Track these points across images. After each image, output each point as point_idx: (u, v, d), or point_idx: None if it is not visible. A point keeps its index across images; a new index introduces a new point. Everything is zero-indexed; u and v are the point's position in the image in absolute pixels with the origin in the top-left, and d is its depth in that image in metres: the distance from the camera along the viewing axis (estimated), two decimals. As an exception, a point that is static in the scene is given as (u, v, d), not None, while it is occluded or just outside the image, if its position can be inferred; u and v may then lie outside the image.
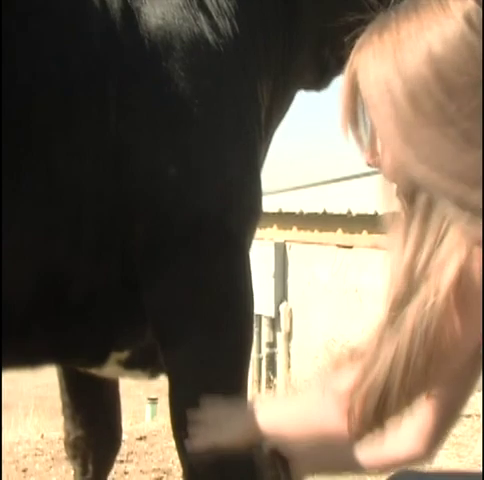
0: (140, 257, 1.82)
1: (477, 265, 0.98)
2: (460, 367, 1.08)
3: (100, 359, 1.98)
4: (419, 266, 1.02)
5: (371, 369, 0.97)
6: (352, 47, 0.77)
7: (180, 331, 1.83)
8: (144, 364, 2.05)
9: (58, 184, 1.76)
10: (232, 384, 1.85)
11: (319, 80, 2.31)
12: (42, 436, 4.28)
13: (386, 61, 0.93)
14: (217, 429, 1.43)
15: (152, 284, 1.83)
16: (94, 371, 2.10)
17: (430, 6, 0.92)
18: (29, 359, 1.96)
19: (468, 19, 0.89)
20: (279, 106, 2.19)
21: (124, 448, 3.86)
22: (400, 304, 0.99)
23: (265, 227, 10.18)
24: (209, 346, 1.82)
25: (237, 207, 1.87)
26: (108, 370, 2.07)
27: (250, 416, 1.35)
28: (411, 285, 0.99)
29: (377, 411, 0.99)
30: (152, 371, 2.07)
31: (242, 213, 1.89)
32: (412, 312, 0.97)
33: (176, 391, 1.87)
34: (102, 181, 1.78)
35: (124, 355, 2.00)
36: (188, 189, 1.81)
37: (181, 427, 1.78)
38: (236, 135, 1.90)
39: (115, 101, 1.79)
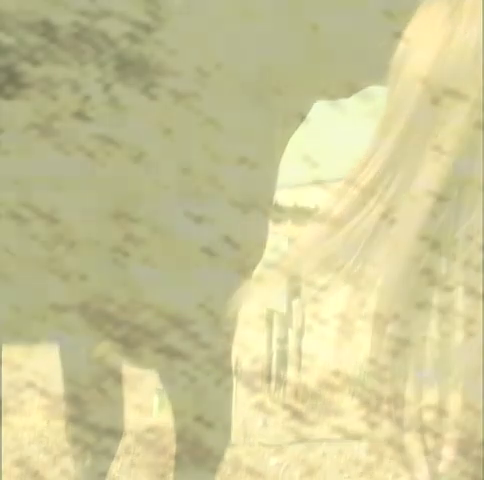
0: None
1: None
2: None
3: None
4: None
5: None
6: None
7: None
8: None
9: None
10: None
11: (345, 90, 2.24)
12: (47, 422, 4.24)
13: None
14: None
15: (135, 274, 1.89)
16: None
17: None
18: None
19: None
20: (293, 122, 2.19)
21: (131, 440, 3.83)
22: None
23: (279, 222, 10.13)
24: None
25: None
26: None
27: None
28: None
29: None
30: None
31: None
32: None
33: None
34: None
35: None
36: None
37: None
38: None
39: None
